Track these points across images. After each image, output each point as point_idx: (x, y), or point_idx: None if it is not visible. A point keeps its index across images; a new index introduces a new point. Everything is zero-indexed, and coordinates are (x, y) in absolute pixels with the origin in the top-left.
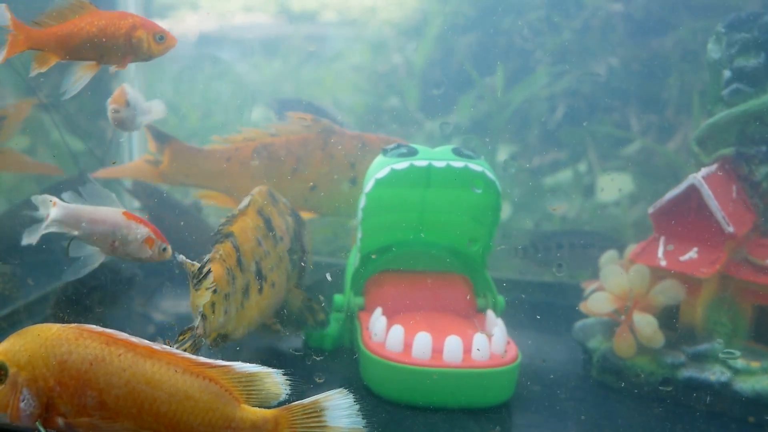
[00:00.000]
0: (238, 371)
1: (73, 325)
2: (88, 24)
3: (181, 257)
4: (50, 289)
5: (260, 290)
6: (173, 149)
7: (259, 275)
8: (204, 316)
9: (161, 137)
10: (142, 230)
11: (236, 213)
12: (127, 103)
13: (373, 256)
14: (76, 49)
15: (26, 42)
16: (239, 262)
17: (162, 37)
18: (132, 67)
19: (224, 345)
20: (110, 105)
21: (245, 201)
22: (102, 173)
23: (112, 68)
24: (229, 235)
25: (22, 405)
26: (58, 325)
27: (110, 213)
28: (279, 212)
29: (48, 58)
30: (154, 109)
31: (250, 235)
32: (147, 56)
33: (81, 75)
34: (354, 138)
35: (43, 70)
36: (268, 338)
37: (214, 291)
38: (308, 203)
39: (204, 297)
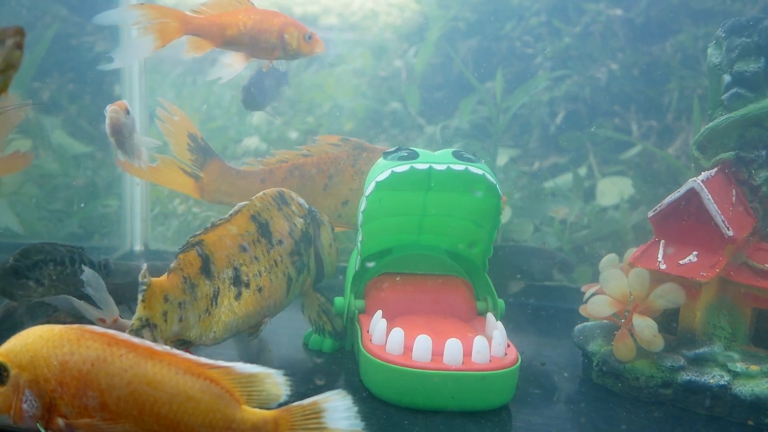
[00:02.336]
0: (238, 372)
1: (74, 326)
2: (245, 17)
3: (143, 269)
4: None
5: (238, 296)
6: (214, 167)
7: (237, 281)
8: (154, 325)
9: (205, 152)
10: None
11: (217, 221)
12: (128, 112)
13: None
14: (231, 40)
15: (182, 28)
16: (205, 269)
17: (310, 37)
18: (135, 71)
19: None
20: (109, 107)
21: (236, 207)
22: (138, 175)
23: (266, 63)
24: (196, 244)
25: (24, 406)
26: (59, 326)
27: None
28: (285, 215)
29: (203, 44)
30: (145, 140)
31: (230, 242)
32: (294, 54)
33: (233, 64)
34: None
35: (198, 54)
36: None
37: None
38: (341, 218)
39: (139, 311)
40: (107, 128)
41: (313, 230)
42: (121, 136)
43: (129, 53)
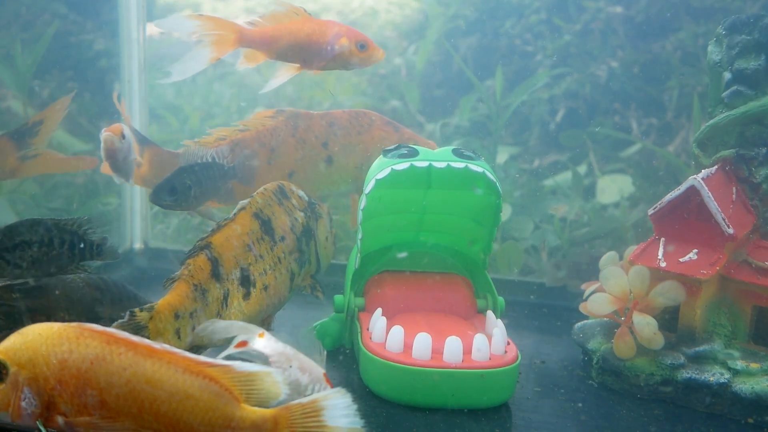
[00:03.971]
0: (238, 371)
1: (73, 324)
2: (297, 29)
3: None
4: None
5: (246, 296)
6: (151, 153)
7: (245, 281)
8: None
9: (141, 140)
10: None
11: (222, 222)
12: (123, 136)
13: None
14: (283, 51)
15: (238, 41)
16: (214, 273)
17: (363, 46)
18: (134, 69)
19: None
20: (104, 132)
21: (241, 204)
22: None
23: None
24: (204, 248)
25: (23, 404)
26: (59, 324)
27: (314, 366)
28: (286, 210)
29: (257, 56)
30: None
31: (236, 242)
32: (346, 64)
33: (283, 74)
34: (322, 118)
35: (251, 66)
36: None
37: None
38: None
39: None
40: (102, 152)
41: (312, 222)
42: (116, 160)
43: (186, 66)
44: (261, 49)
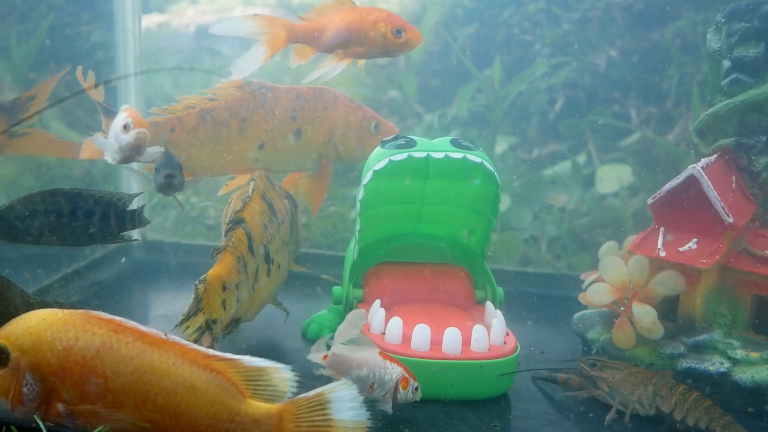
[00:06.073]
0: (246, 365)
1: (80, 311)
2: (339, 19)
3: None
4: (47, 283)
5: (268, 272)
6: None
7: (267, 258)
8: (213, 321)
9: (107, 113)
10: (397, 371)
11: (245, 199)
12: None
13: None
14: (327, 42)
15: (288, 38)
16: (250, 247)
17: (399, 32)
18: (130, 60)
19: (235, 329)
20: (135, 129)
21: (250, 186)
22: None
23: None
24: (241, 221)
25: (24, 390)
26: (64, 311)
27: (370, 356)
28: (278, 195)
29: (307, 51)
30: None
31: (258, 220)
32: (384, 49)
33: (331, 65)
34: (289, 92)
35: (303, 62)
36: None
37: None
38: (260, 162)
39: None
40: (127, 148)
41: (293, 209)
42: (138, 155)
43: (244, 65)
44: (309, 43)
